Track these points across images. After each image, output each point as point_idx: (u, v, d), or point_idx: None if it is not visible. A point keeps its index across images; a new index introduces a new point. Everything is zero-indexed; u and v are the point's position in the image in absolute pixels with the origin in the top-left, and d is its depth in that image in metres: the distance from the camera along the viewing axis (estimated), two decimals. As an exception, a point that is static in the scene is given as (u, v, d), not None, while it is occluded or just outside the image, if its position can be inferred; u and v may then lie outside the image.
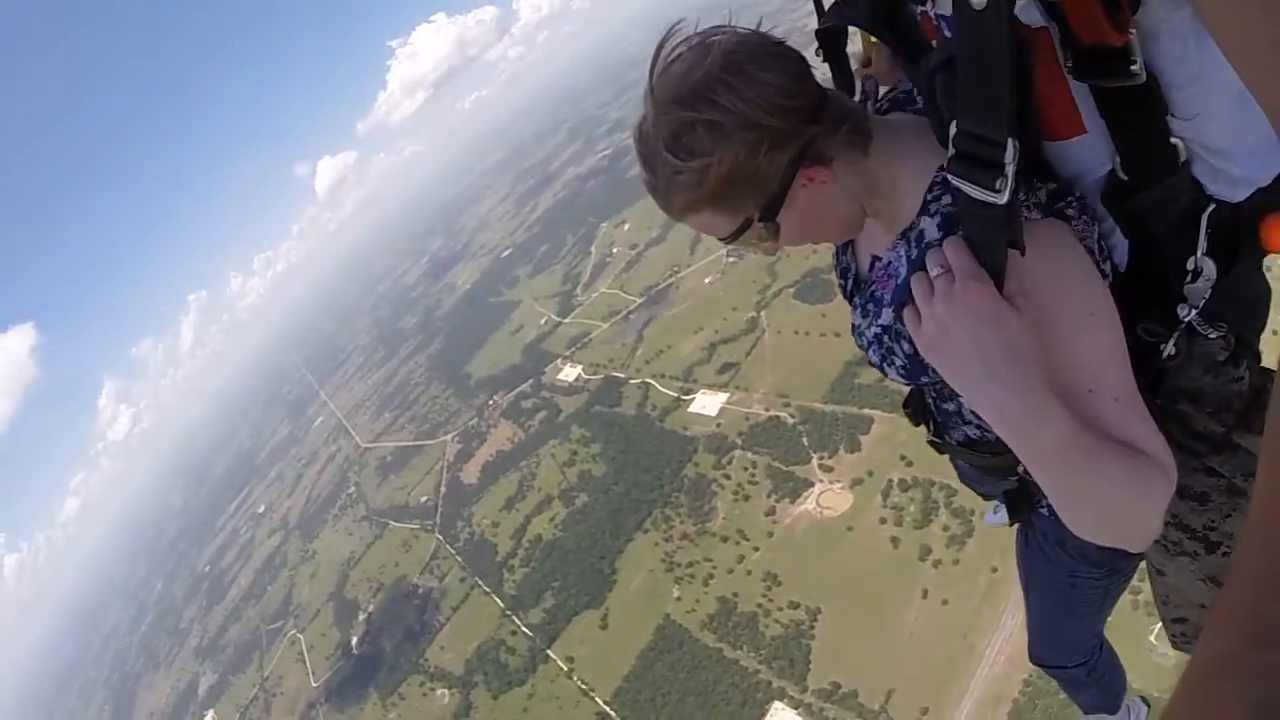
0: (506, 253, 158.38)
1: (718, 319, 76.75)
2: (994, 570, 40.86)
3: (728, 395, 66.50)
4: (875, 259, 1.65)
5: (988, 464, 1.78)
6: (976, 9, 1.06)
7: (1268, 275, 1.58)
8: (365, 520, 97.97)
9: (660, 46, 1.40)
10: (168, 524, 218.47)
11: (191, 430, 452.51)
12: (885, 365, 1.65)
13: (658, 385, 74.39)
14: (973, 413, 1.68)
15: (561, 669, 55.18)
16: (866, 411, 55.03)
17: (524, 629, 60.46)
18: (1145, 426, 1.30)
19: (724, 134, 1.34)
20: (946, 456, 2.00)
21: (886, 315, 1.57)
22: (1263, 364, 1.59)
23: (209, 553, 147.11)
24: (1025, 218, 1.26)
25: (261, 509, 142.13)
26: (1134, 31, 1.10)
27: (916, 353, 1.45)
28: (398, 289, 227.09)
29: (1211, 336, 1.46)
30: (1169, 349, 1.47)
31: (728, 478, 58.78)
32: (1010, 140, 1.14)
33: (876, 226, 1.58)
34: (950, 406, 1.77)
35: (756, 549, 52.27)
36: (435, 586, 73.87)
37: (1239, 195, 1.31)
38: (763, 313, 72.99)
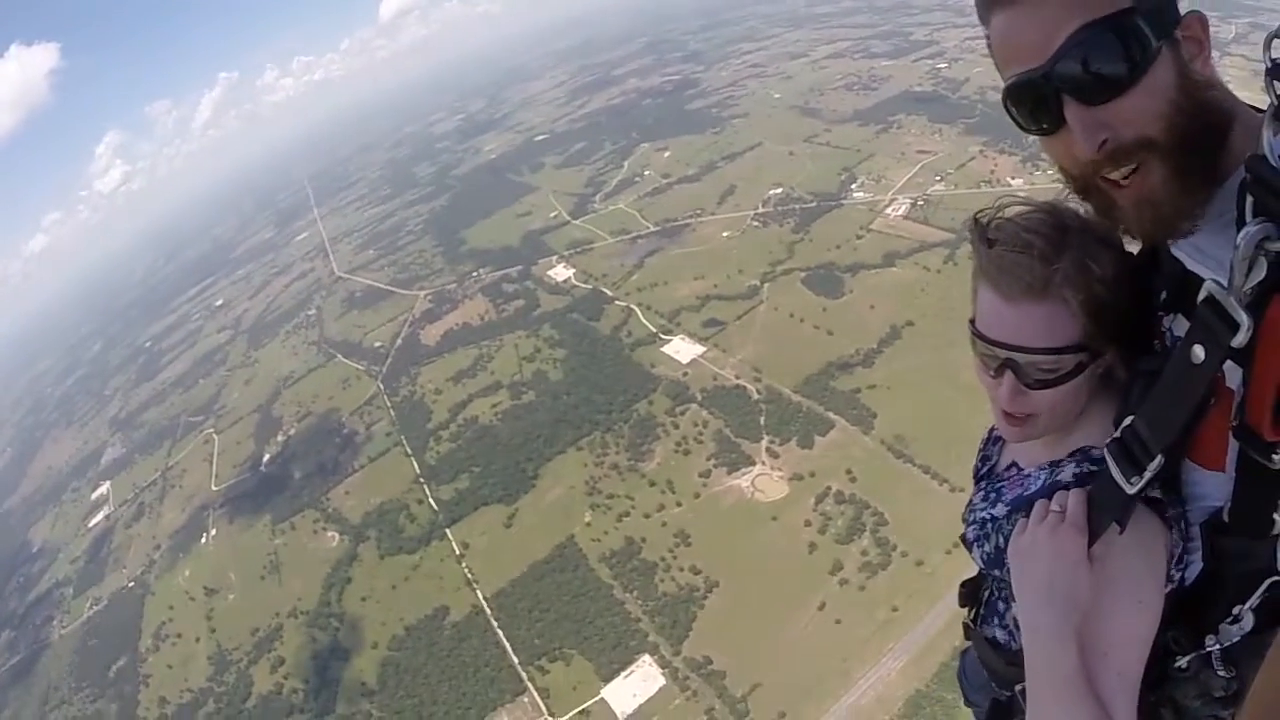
0: (542, 137, 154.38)
1: (721, 274, 75.03)
2: (894, 610, 40.62)
3: (704, 350, 65.19)
4: (1015, 464, 2.03)
5: (996, 667, 2.03)
6: (1193, 362, 1.29)
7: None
8: (315, 346, 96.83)
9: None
10: (125, 290, 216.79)
11: (177, 206, 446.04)
12: (976, 544, 2.00)
13: (641, 315, 72.93)
14: (1013, 620, 1.97)
15: (454, 552, 54.79)
16: (831, 415, 54.15)
17: (431, 501, 59.91)
18: (1128, 706, 1.52)
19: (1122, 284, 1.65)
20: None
21: (1000, 509, 1.92)
22: None
23: (155, 329, 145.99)
24: (1137, 505, 1.54)
25: (219, 303, 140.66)
26: None
27: (1005, 549, 1.79)
28: (424, 135, 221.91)
29: (1220, 674, 1.64)
30: (1182, 663, 1.69)
31: (676, 427, 57.83)
32: (1160, 456, 1.43)
33: (1034, 441, 1.90)
34: (1000, 606, 2.05)
35: (679, 504, 51.58)
36: (360, 432, 73.02)
37: None
38: (767, 285, 71.45)
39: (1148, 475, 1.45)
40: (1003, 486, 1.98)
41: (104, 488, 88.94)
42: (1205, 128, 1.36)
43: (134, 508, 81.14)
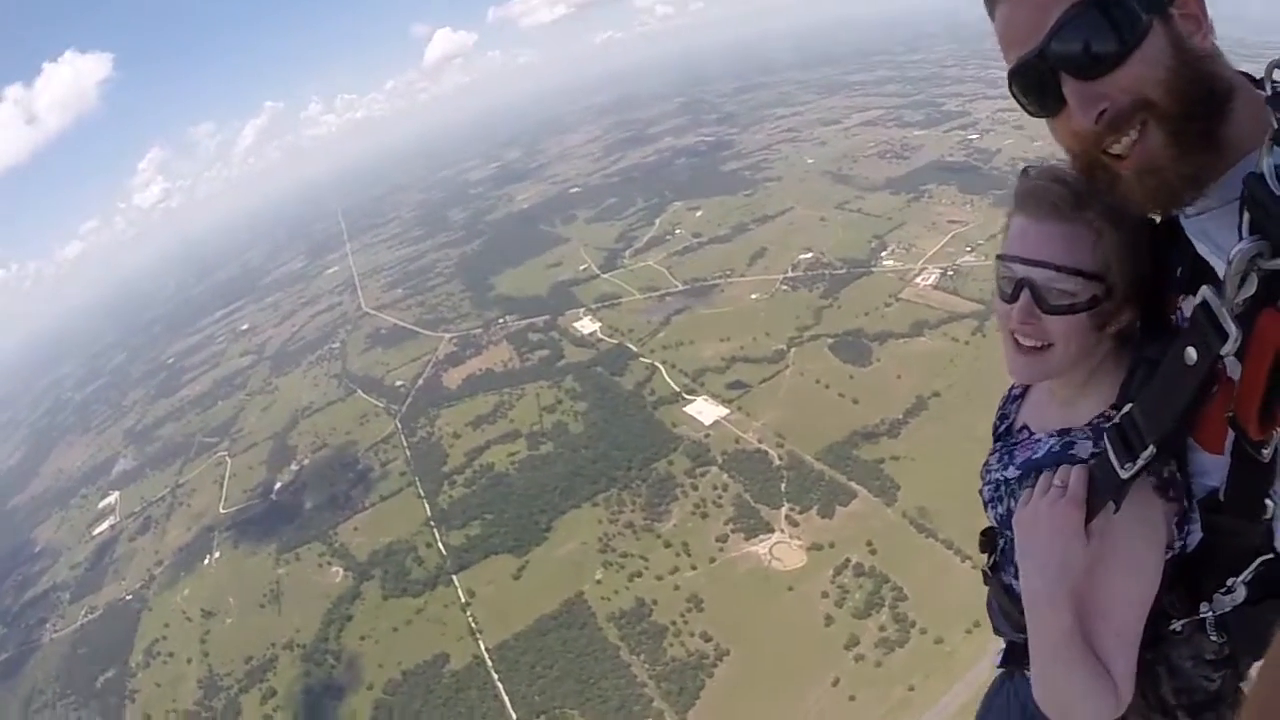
0: (575, 190, 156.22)
1: (748, 336, 74.81)
2: (911, 689, 39.16)
3: (727, 412, 64.59)
4: (1027, 427, 2.12)
5: (1011, 612, 2.13)
6: (1187, 363, 1.37)
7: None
8: (336, 379, 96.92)
9: None
10: (153, 305, 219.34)
11: (212, 228, 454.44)
12: (990, 504, 2.14)
13: (665, 373, 72.55)
14: None
15: (459, 599, 53.73)
16: (854, 485, 53.21)
17: (440, 545, 59.05)
18: (1126, 664, 1.65)
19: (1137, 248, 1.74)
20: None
21: (1011, 472, 2.03)
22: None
23: (179, 347, 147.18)
24: (1138, 480, 1.59)
25: (245, 327, 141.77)
26: (1277, 432, 1.31)
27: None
28: (459, 180, 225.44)
29: (1212, 639, 1.78)
30: (1177, 626, 1.83)
31: (695, 488, 57.00)
32: (1152, 446, 1.51)
33: (1046, 404, 2.07)
34: (1014, 556, 2.08)
35: (694, 568, 50.51)
36: (375, 469, 72.54)
37: None
38: (793, 349, 71.02)
39: (1140, 463, 1.52)
40: (1015, 448, 2.07)
41: (112, 497, 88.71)
42: (1204, 93, 1.38)
43: (140, 521, 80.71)
